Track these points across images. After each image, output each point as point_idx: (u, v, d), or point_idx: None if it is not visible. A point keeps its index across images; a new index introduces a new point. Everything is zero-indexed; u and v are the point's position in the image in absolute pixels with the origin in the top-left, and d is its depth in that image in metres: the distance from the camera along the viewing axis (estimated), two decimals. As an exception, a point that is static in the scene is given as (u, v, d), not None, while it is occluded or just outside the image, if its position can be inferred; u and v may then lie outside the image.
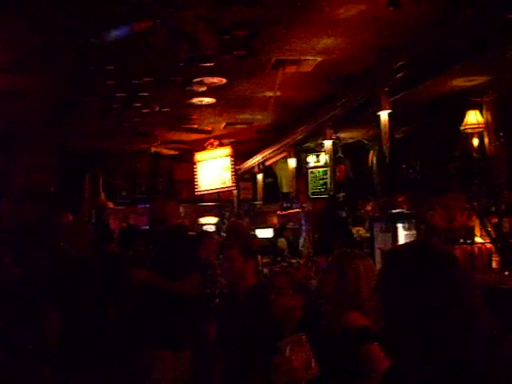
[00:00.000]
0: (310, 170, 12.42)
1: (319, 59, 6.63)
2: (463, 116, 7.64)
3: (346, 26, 5.59)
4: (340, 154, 11.15)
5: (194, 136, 11.30)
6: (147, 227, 6.06)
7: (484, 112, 7.52)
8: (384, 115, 6.54)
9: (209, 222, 16.49)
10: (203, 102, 8.55)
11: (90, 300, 5.20)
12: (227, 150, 11.50)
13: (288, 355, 2.93)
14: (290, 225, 13.92)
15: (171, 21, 5.17)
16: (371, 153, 11.05)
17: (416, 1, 5.00)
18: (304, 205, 12.73)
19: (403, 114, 7.14)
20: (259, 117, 9.67)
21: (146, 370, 4.82)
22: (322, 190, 12.24)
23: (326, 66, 6.80)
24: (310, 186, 12.40)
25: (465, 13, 4.91)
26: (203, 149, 11.73)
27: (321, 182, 12.30)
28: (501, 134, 7.37)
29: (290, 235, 13.03)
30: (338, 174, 10.63)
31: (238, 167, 12.04)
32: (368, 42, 5.99)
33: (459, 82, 7.17)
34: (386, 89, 6.38)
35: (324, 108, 8.10)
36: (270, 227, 15.01)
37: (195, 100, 8.38)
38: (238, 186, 12.31)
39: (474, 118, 7.54)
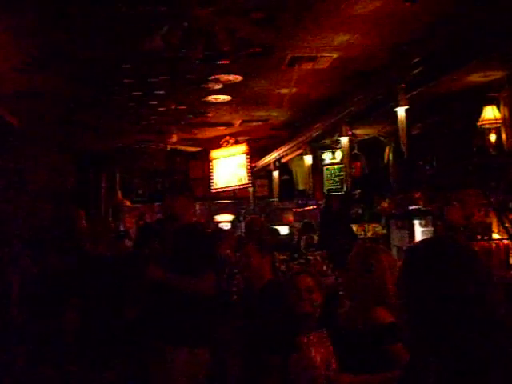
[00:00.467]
0: (325, 167, 12.39)
1: (335, 56, 6.61)
2: (480, 111, 7.59)
3: (362, 22, 5.57)
4: (356, 151, 11.12)
5: (210, 133, 11.32)
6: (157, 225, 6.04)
7: (501, 107, 7.47)
8: (401, 111, 6.51)
9: (225, 220, 16.53)
10: (219, 100, 8.57)
11: (107, 298, 5.23)
12: (243, 148, 11.51)
13: (308, 351, 2.92)
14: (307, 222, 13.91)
15: (187, 19, 5.18)
16: (387, 149, 11.01)
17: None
18: (320, 202, 12.72)
19: (419, 110, 7.11)
20: (275, 114, 9.68)
21: (163, 367, 4.82)
22: (338, 186, 12.21)
23: (342, 62, 6.78)
24: (326, 182, 12.38)
25: (481, 8, 4.89)
26: (219, 146, 11.76)
27: (336, 178, 12.27)
28: (518, 129, 7.33)
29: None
30: (353, 170, 10.59)
31: (253, 164, 12.04)
32: (384, 37, 5.97)
33: (476, 78, 7.13)
34: (403, 85, 6.35)
35: (340, 105, 8.09)
36: (286, 224, 15.02)
37: (211, 98, 8.40)
38: (253, 184, 12.31)
39: (491, 113, 7.50)
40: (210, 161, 12.06)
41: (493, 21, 4.94)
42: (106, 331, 5.12)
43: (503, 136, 7.49)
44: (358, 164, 11.48)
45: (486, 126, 7.62)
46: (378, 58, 6.57)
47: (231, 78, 7.37)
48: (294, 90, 7.86)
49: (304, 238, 11.51)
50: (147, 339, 5.12)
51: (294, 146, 10.95)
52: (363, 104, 7.47)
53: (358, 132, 10.27)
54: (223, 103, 8.79)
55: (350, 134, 8.82)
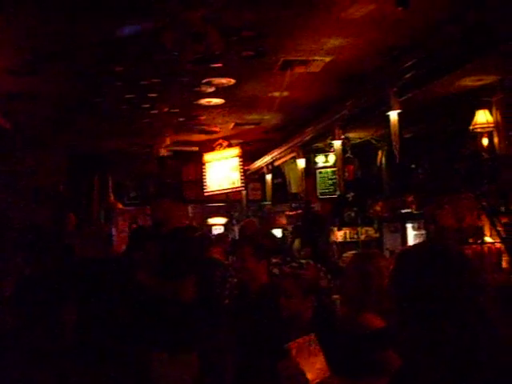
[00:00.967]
0: (318, 170, 12.41)
1: (328, 59, 6.62)
2: (472, 115, 7.61)
3: (354, 26, 5.59)
4: (349, 155, 11.13)
5: (203, 137, 11.32)
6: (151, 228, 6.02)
7: (493, 111, 7.50)
8: (394, 115, 6.53)
9: (217, 223, 16.50)
10: (211, 103, 8.57)
11: (103, 300, 5.21)
12: (236, 151, 11.52)
13: (294, 358, 2.90)
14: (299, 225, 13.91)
15: (180, 22, 5.17)
16: (380, 153, 11.03)
17: (424, 1, 4.99)
18: (313, 205, 12.72)
19: (412, 114, 7.12)
20: (267, 117, 9.68)
21: (142, 371, 4.80)
22: (331, 190, 12.22)
23: (335, 66, 6.80)
24: (319, 186, 12.39)
25: (473, 13, 4.90)
26: (212, 149, 11.76)
27: (329, 182, 12.29)
28: (510, 133, 7.34)
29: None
30: (346, 174, 10.59)
31: (246, 168, 12.04)
32: (377, 42, 5.99)
33: (468, 82, 7.15)
34: (396, 89, 6.37)
35: (333, 108, 8.10)
36: (279, 228, 15.00)
37: (204, 101, 8.40)
38: (246, 187, 12.31)
39: (483, 117, 7.52)
40: (203, 164, 12.05)
41: (485, 25, 4.96)
42: (101, 332, 5.10)
43: (495, 140, 7.51)
44: (351, 167, 11.48)
45: (479, 130, 7.64)
46: (371, 61, 6.59)
47: (224, 81, 7.37)
48: (286, 93, 7.87)
49: (297, 241, 11.54)
50: (134, 345, 5.10)
51: (286, 150, 10.96)
52: (356, 108, 7.48)
53: (350, 135, 10.29)
54: (216, 106, 8.80)
55: (343, 137, 8.83)
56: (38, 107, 8.44)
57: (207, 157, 11.98)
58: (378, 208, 10.68)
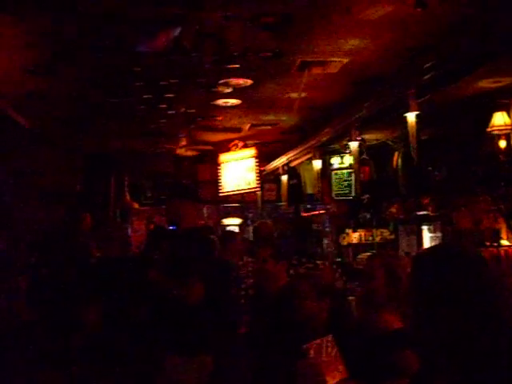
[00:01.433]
0: (334, 172, 12.39)
1: (345, 60, 6.61)
2: (490, 117, 7.58)
3: (373, 27, 5.57)
4: (364, 156, 11.11)
5: (219, 137, 11.33)
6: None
7: (511, 113, 7.46)
8: (411, 117, 6.50)
9: (232, 223, 16.51)
10: (228, 104, 8.57)
11: (119, 300, 5.24)
12: (252, 151, 11.53)
13: (313, 359, 2.90)
14: (314, 226, 13.91)
15: (199, 22, 5.19)
16: (396, 154, 11.00)
17: (443, 1, 4.97)
18: (328, 206, 12.71)
19: (428, 116, 7.09)
20: (284, 118, 9.68)
21: (155, 374, 4.79)
22: (346, 191, 12.20)
23: (353, 67, 6.78)
24: (334, 187, 12.37)
25: (492, 14, 4.88)
26: (227, 150, 11.77)
27: (345, 183, 12.26)
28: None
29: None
30: (362, 175, 10.58)
31: (262, 168, 12.05)
32: (395, 43, 5.96)
33: (486, 84, 7.11)
34: (414, 90, 6.35)
35: (350, 109, 8.08)
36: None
37: (221, 101, 8.41)
38: (262, 188, 12.32)
39: (501, 119, 7.49)
40: (219, 164, 12.07)
41: (504, 26, 4.93)
42: (123, 332, 5.13)
43: (513, 142, 7.48)
44: (367, 169, 11.46)
45: (496, 132, 7.61)
46: (389, 63, 6.56)
47: (241, 81, 7.38)
48: (303, 94, 7.85)
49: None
50: (148, 346, 5.11)
51: (303, 151, 10.94)
52: (373, 109, 7.45)
53: (366, 137, 10.27)
54: (232, 107, 8.80)
55: (359, 138, 8.81)
56: (55, 106, 8.48)
57: (223, 157, 11.99)
58: (393, 210, 10.67)
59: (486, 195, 7.94)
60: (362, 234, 11.91)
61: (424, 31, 5.63)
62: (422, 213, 9.57)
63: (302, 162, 12.43)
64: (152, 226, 11.87)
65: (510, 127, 7.46)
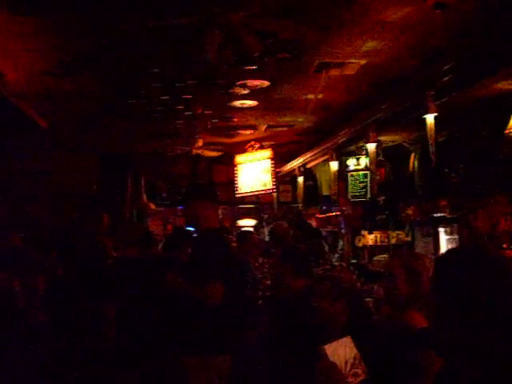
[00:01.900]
0: (349, 173, 12.36)
1: (363, 62, 6.61)
2: (508, 119, 7.53)
3: (391, 29, 5.57)
4: (380, 158, 11.08)
5: (235, 138, 11.36)
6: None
7: (529, 115, 7.42)
8: (430, 118, 6.49)
9: (247, 225, 16.53)
10: (245, 105, 8.60)
11: (141, 301, 5.26)
12: (268, 153, 11.54)
13: (332, 360, 2.89)
14: (329, 228, 13.90)
15: (219, 24, 5.21)
16: (412, 156, 10.96)
17: (463, 3, 4.96)
18: (344, 208, 12.69)
19: (446, 117, 7.06)
20: (300, 119, 9.69)
21: (178, 376, 4.80)
22: (362, 193, 12.17)
23: (370, 68, 6.78)
24: (350, 189, 12.34)
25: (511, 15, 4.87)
26: (243, 151, 11.79)
27: (361, 185, 12.23)
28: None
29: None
30: (378, 177, 10.55)
31: (278, 170, 12.06)
32: (413, 44, 5.96)
33: (504, 85, 7.06)
34: (433, 92, 6.33)
35: (367, 111, 8.07)
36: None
37: (237, 103, 8.43)
38: (277, 189, 12.32)
39: (519, 121, 7.44)
40: (235, 165, 12.10)
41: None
42: (141, 333, 5.15)
43: (531, 144, 7.43)
44: (383, 171, 11.44)
45: (514, 134, 7.56)
46: (407, 64, 6.56)
47: (258, 83, 7.40)
48: (320, 95, 7.86)
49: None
50: (166, 346, 5.12)
51: (319, 152, 10.94)
52: (391, 111, 7.44)
53: (382, 139, 10.24)
54: (249, 108, 8.83)
55: (376, 140, 8.80)
56: (73, 107, 8.55)
57: (239, 158, 12.02)
58: (409, 212, 10.61)
59: (503, 197, 7.89)
60: (378, 235, 11.86)
61: (443, 32, 5.62)
62: (438, 215, 9.52)
63: (318, 164, 12.42)
64: (170, 227, 11.90)
65: (528, 129, 7.41)
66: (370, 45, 6.05)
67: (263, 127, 10.40)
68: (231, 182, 12.25)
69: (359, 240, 12.05)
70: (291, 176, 13.56)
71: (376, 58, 6.43)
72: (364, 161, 11.83)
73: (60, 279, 6.17)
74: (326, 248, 11.76)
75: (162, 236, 11.64)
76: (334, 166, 10.74)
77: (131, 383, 5.14)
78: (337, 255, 12.58)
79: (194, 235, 5.34)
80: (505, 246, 7.59)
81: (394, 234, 11.49)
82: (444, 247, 9.44)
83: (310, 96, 7.99)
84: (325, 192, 13.59)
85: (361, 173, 12.15)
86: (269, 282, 6.75)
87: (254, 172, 11.82)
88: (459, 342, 1.83)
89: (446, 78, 5.92)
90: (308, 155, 11.49)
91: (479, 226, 8.30)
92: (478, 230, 8.33)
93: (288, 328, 4.68)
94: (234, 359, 4.86)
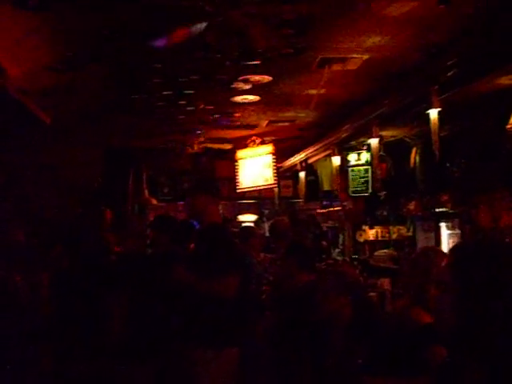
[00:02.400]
0: (350, 168, 12.37)
1: (366, 57, 6.60)
2: (509, 114, 7.54)
3: (394, 23, 5.56)
4: (382, 153, 11.09)
5: (237, 133, 11.36)
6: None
7: (532, 110, 7.42)
8: (434, 113, 6.49)
9: (248, 220, 16.55)
10: (247, 100, 8.59)
11: (147, 295, 5.27)
12: (269, 148, 11.54)
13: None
14: (330, 223, 13.93)
15: (223, 19, 5.21)
16: (413, 151, 10.96)
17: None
18: (345, 203, 12.71)
19: (447, 112, 7.06)
20: (302, 115, 9.68)
21: (189, 369, 4.81)
22: (363, 188, 12.18)
23: (373, 63, 6.77)
24: (351, 184, 12.35)
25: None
26: (245, 146, 11.79)
27: (362, 180, 12.24)
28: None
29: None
30: (379, 172, 10.57)
31: (279, 165, 12.06)
32: (417, 39, 5.95)
33: (505, 80, 7.07)
34: (437, 87, 6.33)
35: (370, 106, 8.07)
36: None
37: (239, 98, 8.43)
38: (278, 184, 12.33)
39: (520, 115, 7.45)
40: (236, 161, 12.10)
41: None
42: (149, 327, 5.16)
43: (533, 139, 7.44)
44: (384, 166, 11.45)
45: (515, 129, 7.56)
46: (410, 59, 6.55)
47: (260, 78, 7.39)
48: (322, 90, 7.85)
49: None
50: (174, 340, 5.13)
51: (321, 147, 10.95)
52: (394, 106, 7.44)
53: (383, 134, 10.24)
54: (251, 103, 8.82)
55: (379, 135, 8.81)
56: (75, 103, 8.54)
57: (240, 154, 12.02)
58: (411, 207, 10.63)
59: (505, 192, 7.91)
60: (379, 230, 11.91)
61: (447, 28, 5.61)
62: (440, 210, 9.54)
63: (319, 159, 12.43)
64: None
65: (529, 124, 7.42)
66: (374, 40, 6.03)
67: (265, 122, 10.40)
68: (232, 178, 12.24)
69: (360, 235, 12.10)
70: (292, 171, 13.57)
71: (379, 52, 6.42)
72: (365, 156, 11.85)
73: (64, 274, 6.19)
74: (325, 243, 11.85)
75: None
76: (336, 160, 10.75)
77: (138, 378, 5.16)
78: (338, 250, 12.62)
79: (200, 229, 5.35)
80: (507, 240, 7.61)
81: (395, 229, 11.53)
82: (445, 242, 9.47)
83: (312, 91, 7.98)
84: (325, 187, 13.61)
85: (362, 168, 12.17)
86: (271, 278, 6.78)
87: (255, 167, 11.82)
88: (470, 334, 1.85)
89: (450, 73, 5.91)
90: (310, 150, 11.49)
91: (481, 221, 8.31)
92: (480, 224, 8.35)
93: (291, 323, 4.71)
94: (241, 352, 4.90)
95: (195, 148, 12.63)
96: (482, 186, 8.33)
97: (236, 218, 16.43)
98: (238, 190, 12.24)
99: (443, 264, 2.08)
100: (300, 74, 7.34)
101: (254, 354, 5.61)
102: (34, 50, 6.15)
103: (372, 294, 6.37)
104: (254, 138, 11.54)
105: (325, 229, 13.58)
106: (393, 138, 11.00)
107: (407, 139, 10.95)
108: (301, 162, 12.48)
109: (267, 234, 12.80)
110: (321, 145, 10.80)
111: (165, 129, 10.66)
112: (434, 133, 6.50)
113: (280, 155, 11.96)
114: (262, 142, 11.57)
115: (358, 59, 6.69)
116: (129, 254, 5.97)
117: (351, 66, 6.92)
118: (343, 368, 3.44)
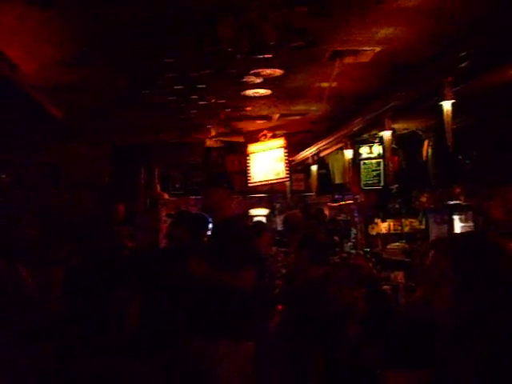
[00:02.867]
0: (362, 162, 12.34)
1: (378, 49, 6.55)
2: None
3: (407, 15, 5.51)
4: (394, 145, 11.06)
5: (248, 127, 11.35)
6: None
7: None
8: (447, 105, 6.45)
9: (259, 214, 16.57)
10: (258, 94, 8.57)
11: (162, 290, 5.28)
12: (280, 142, 11.51)
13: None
14: (342, 216, 13.93)
15: (235, 13, 5.20)
16: (425, 143, 10.93)
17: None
18: (356, 196, 12.70)
19: (460, 104, 7.03)
20: (314, 108, 9.65)
21: (207, 361, 4.83)
22: (375, 181, 12.16)
23: (385, 56, 6.72)
24: (363, 177, 12.33)
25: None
26: (256, 140, 11.77)
27: (373, 173, 12.22)
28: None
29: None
30: (391, 165, 10.55)
31: (291, 158, 12.04)
32: (430, 31, 5.89)
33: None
34: (450, 78, 6.28)
35: (383, 99, 8.03)
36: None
37: (251, 92, 8.40)
38: (290, 178, 12.32)
39: (535, 107, 7.42)
40: (248, 155, 12.08)
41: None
42: (163, 322, 5.17)
43: (547, 130, 7.39)
44: (396, 158, 11.42)
45: (529, 121, 7.53)
46: (423, 51, 6.49)
47: (272, 71, 7.36)
48: (334, 83, 7.82)
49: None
50: (189, 333, 5.14)
51: (333, 140, 10.92)
52: (407, 98, 7.40)
53: (395, 126, 10.21)
54: (262, 97, 8.80)
55: (392, 128, 8.77)
56: (86, 98, 8.54)
57: (252, 148, 12.01)
58: (423, 199, 10.62)
59: (518, 184, 7.88)
60: (391, 223, 11.89)
61: (459, 18, 5.56)
62: (453, 202, 9.52)
63: (331, 152, 12.41)
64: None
65: (543, 115, 7.38)
66: (386, 31, 5.98)
67: (276, 116, 10.37)
68: (244, 172, 12.23)
69: (372, 228, 12.09)
70: (304, 165, 13.55)
71: (391, 44, 6.37)
72: (377, 149, 11.83)
73: (76, 269, 6.20)
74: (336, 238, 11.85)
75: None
76: (348, 154, 10.72)
77: (152, 373, 5.17)
78: (350, 244, 12.62)
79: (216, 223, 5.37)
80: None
81: (408, 222, 11.52)
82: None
83: (324, 84, 7.95)
84: (337, 180, 13.59)
85: (373, 161, 12.15)
86: (284, 271, 6.78)
87: (266, 161, 11.80)
88: (479, 322, 1.88)
89: (463, 64, 5.87)
90: (322, 143, 11.47)
91: (494, 213, 8.29)
92: (492, 216, 8.32)
93: (304, 317, 4.71)
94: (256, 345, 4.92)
95: (207, 142, 12.63)
96: (495, 178, 8.30)
97: (248, 212, 16.45)
98: (250, 184, 12.23)
99: (430, 258, 2.10)
100: (311, 67, 7.31)
101: (267, 349, 5.62)
102: (45, 45, 6.16)
103: (386, 287, 6.35)
104: (265, 131, 11.52)
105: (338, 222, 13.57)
106: (405, 131, 10.98)
107: (419, 132, 10.93)
108: (312, 156, 12.46)
109: (279, 228, 12.85)
110: (332, 138, 10.77)
111: (176, 124, 10.66)
112: (448, 125, 6.46)
113: (291, 149, 11.93)
114: (274, 136, 11.56)
115: (369, 51, 6.64)
116: (141, 248, 5.96)
117: (363, 59, 6.88)
118: (356, 361, 3.44)
